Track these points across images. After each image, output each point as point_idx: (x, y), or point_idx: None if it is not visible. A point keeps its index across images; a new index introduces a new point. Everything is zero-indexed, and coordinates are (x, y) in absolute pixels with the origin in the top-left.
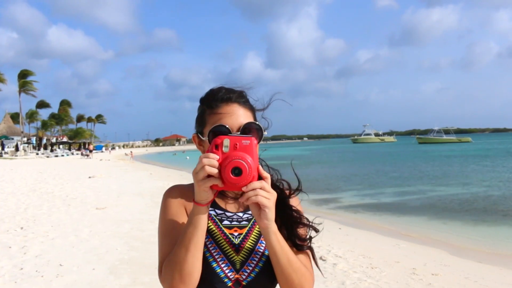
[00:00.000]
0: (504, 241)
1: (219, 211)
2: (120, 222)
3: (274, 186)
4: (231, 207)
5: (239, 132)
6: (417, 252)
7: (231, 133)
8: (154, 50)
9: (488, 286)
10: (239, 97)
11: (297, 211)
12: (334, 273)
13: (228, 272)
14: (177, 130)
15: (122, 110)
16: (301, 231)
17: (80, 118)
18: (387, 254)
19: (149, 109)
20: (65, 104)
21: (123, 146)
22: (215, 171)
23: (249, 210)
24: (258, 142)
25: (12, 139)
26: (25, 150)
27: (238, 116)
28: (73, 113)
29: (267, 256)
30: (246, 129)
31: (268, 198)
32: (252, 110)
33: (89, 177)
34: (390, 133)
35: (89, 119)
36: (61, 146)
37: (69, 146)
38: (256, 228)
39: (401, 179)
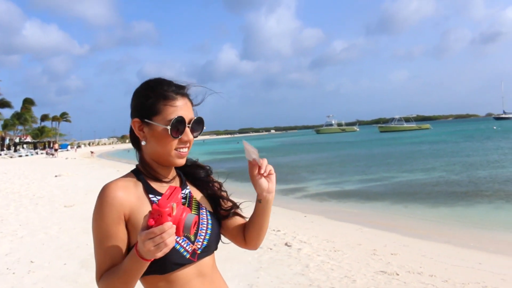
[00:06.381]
0: (459, 221)
1: (159, 197)
2: (90, 219)
3: (199, 166)
4: (165, 190)
5: (189, 125)
6: (378, 235)
7: (187, 124)
8: (131, 43)
9: (443, 262)
10: (187, 91)
11: (220, 184)
12: (298, 257)
13: (186, 246)
14: None
15: (93, 107)
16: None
17: (44, 118)
18: (350, 238)
19: (120, 105)
20: (28, 102)
21: (89, 144)
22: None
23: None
24: (199, 134)
25: None
26: None
27: (189, 109)
28: (40, 111)
29: (211, 222)
30: (197, 122)
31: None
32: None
33: (56, 176)
34: (354, 123)
35: (54, 118)
36: (25, 146)
37: (34, 145)
38: (193, 200)
39: (362, 167)
